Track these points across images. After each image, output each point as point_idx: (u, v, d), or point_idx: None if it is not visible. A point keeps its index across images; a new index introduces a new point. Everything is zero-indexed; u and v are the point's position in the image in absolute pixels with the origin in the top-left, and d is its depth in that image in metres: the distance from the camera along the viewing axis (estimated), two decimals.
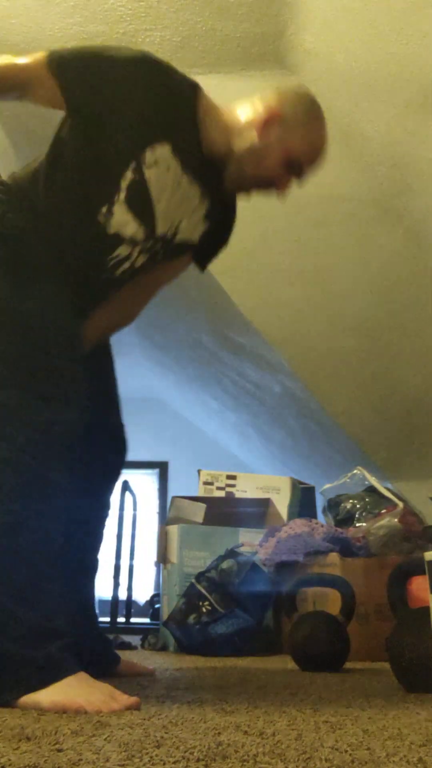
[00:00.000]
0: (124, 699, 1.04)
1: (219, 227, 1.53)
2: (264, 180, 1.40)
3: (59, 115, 1.35)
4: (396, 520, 2.35)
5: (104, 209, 1.32)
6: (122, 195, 1.30)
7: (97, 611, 1.65)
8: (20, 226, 1.31)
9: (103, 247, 1.36)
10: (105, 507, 1.59)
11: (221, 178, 1.39)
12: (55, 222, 1.34)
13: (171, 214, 1.37)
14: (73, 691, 1.03)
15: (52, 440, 1.18)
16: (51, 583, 1.13)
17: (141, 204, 1.32)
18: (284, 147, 1.35)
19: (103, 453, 1.53)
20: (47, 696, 1.02)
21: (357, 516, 2.52)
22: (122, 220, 1.33)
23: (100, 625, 1.69)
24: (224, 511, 2.82)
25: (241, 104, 1.40)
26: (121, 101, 1.26)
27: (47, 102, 1.30)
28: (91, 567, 1.57)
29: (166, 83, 1.29)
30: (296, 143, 1.36)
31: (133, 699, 1.04)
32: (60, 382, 1.22)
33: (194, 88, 1.34)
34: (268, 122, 1.34)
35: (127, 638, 2.73)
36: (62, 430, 1.19)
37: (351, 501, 2.60)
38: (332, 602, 2.00)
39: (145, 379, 5.59)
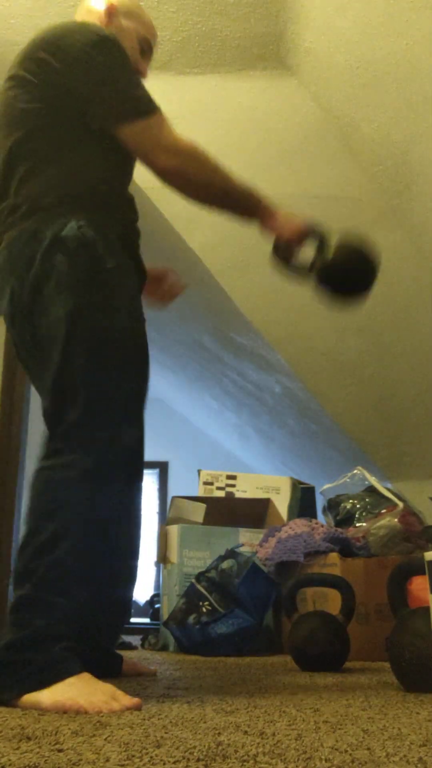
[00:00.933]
0: (126, 699, 1.04)
1: None
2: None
3: None
4: (396, 520, 2.34)
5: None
6: None
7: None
8: (93, 235, 1.28)
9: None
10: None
11: None
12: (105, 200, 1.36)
13: None
14: (74, 691, 1.03)
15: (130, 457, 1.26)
16: (59, 596, 1.13)
17: None
18: (134, 33, 1.47)
19: None
20: (48, 696, 1.02)
21: (357, 516, 2.52)
22: None
23: None
24: (224, 511, 2.82)
25: (82, 15, 1.51)
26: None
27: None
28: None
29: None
30: (140, 27, 1.49)
31: (135, 700, 1.04)
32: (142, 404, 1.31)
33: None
34: (109, 12, 1.45)
35: (127, 638, 2.72)
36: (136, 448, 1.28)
37: (351, 501, 2.60)
38: (332, 602, 2.00)
39: None
